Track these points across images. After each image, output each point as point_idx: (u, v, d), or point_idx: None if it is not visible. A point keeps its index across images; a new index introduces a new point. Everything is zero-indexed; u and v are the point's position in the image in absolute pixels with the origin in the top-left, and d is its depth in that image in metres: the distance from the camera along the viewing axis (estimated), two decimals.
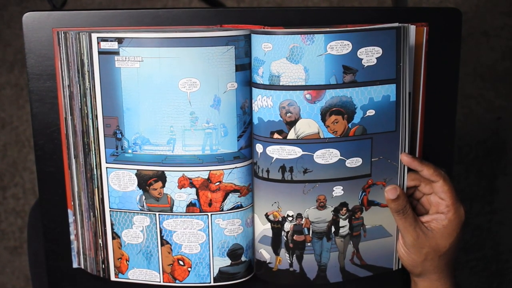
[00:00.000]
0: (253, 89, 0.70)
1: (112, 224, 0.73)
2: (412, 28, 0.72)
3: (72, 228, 0.77)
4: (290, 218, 0.72)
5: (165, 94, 0.68)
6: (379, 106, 0.70)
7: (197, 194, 0.71)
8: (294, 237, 0.73)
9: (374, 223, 0.75)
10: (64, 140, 0.75)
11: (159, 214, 0.72)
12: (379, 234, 0.75)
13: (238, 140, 0.70)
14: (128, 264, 0.74)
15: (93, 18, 0.74)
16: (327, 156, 0.70)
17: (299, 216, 0.72)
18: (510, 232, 1.70)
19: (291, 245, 0.73)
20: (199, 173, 0.70)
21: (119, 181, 0.72)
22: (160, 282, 0.74)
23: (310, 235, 0.73)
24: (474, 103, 1.65)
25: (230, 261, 0.73)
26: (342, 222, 0.73)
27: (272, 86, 0.68)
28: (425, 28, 0.74)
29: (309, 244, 0.73)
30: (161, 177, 0.70)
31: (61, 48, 0.72)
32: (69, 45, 0.70)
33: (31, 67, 0.75)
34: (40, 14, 0.74)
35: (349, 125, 0.69)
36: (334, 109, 0.68)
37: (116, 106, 0.69)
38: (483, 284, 1.71)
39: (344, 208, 0.72)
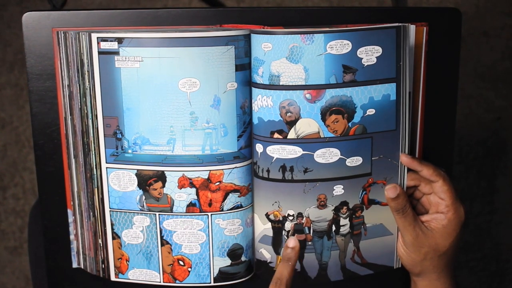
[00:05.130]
0: (253, 89, 0.70)
1: (112, 224, 0.73)
2: (412, 27, 0.72)
3: (72, 228, 0.77)
4: (290, 218, 0.72)
5: (165, 94, 0.68)
6: (379, 105, 0.70)
7: (197, 194, 0.71)
8: (295, 236, 0.73)
9: (375, 222, 0.75)
10: (64, 140, 0.75)
11: (159, 214, 0.72)
12: (379, 233, 0.75)
13: (238, 140, 0.70)
14: (128, 264, 0.74)
15: (93, 18, 0.74)
16: (327, 155, 0.70)
17: (300, 215, 0.72)
18: (510, 232, 1.70)
19: None
20: (199, 173, 0.70)
21: (119, 181, 0.72)
22: (160, 282, 0.74)
23: (311, 234, 0.73)
24: (474, 103, 1.65)
25: (230, 261, 0.73)
26: (343, 221, 0.73)
27: (272, 86, 0.68)
28: (425, 28, 0.74)
29: (309, 243, 0.73)
30: (161, 177, 0.70)
31: (61, 48, 0.72)
32: (69, 45, 0.70)
33: (31, 67, 0.75)
34: (40, 14, 0.74)
35: (349, 124, 0.69)
36: (334, 108, 0.68)
37: (116, 106, 0.69)
38: (483, 284, 1.71)
39: (345, 207, 0.72)
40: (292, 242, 0.71)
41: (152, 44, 0.66)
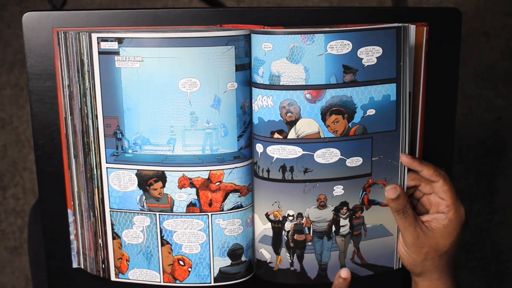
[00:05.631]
0: (253, 89, 0.70)
1: (112, 224, 0.73)
2: (412, 27, 0.72)
3: (72, 228, 0.77)
4: (290, 218, 0.72)
5: (165, 94, 0.68)
6: (379, 105, 0.70)
7: (197, 194, 0.71)
8: (295, 237, 0.73)
9: (375, 222, 0.75)
10: (64, 140, 0.75)
11: (159, 214, 0.72)
12: (379, 233, 0.75)
13: (238, 140, 0.70)
14: (128, 264, 0.74)
15: (93, 18, 0.74)
16: (327, 155, 0.70)
17: (300, 215, 0.72)
18: (510, 232, 1.70)
19: (291, 244, 0.73)
20: (199, 173, 0.70)
21: (119, 181, 0.72)
22: (160, 282, 0.74)
23: (311, 234, 0.73)
24: (474, 103, 1.65)
25: (230, 261, 0.73)
26: (343, 222, 0.73)
27: (272, 86, 0.68)
28: (425, 28, 0.74)
29: (309, 243, 0.73)
30: (161, 177, 0.70)
31: (61, 48, 0.72)
32: (69, 45, 0.70)
33: (31, 67, 0.75)
34: (40, 14, 0.74)
35: (350, 124, 0.69)
36: (334, 108, 0.68)
37: (116, 106, 0.69)
38: (483, 284, 1.71)
39: (345, 208, 0.72)
40: (344, 272, 0.72)
41: (152, 44, 0.66)
